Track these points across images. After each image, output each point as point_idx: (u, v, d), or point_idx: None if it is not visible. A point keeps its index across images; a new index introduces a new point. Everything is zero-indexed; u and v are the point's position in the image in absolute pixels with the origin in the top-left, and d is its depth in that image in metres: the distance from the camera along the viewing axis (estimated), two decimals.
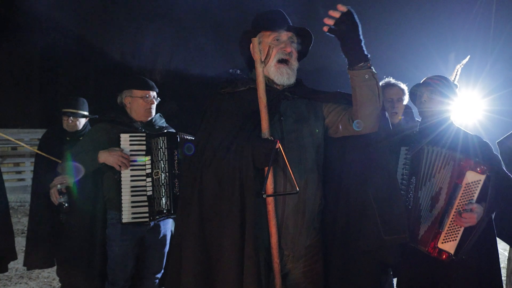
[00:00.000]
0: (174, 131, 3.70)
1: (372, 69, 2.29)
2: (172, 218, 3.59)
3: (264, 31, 2.48)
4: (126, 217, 3.32)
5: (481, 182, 2.72)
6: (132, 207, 3.34)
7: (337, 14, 2.17)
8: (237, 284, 2.18)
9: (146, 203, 3.36)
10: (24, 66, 20.54)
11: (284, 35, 2.47)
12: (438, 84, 3.07)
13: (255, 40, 2.30)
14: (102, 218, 3.47)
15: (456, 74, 3.53)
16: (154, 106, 3.58)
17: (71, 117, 4.35)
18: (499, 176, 2.78)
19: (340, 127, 2.51)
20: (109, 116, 3.57)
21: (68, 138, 4.39)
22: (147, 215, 3.36)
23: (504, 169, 2.89)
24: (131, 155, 3.36)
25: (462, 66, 3.54)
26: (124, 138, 3.37)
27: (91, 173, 3.38)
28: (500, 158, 3.23)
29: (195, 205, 2.27)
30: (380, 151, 2.53)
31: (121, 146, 3.35)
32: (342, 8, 2.16)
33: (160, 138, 3.41)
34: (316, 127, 2.52)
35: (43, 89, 20.74)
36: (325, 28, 2.21)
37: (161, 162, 3.39)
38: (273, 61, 2.45)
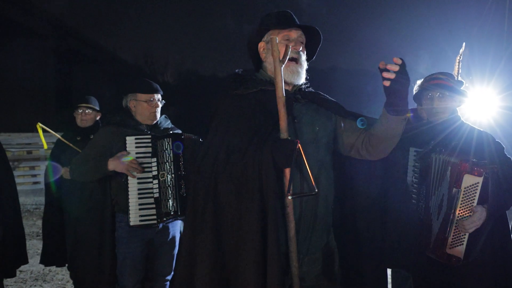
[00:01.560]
0: (180, 131, 3.70)
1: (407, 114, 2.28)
2: (180, 219, 3.58)
3: (273, 30, 2.45)
4: (134, 219, 3.32)
5: (480, 184, 2.67)
6: (140, 209, 3.33)
7: (396, 68, 2.06)
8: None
9: (154, 205, 3.35)
10: (39, 70, 20.80)
11: (294, 33, 2.44)
12: (445, 81, 3.01)
13: (274, 39, 2.20)
14: (111, 222, 3.48)
15: (459, 68, 3.46)
16: (159, 109, 3.58)
17: (86, 110, 4.58)
18: (506, 177, 2.74)
19: (352, 150, 2.52)
20: (115, 119, 3.58)
21: (78, 138, 4.48)
22: (155, 217, 3.35)
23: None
24: (138, 157, 3.35)
25: (461, 57, 3.47)
26: (130, 140, 3.36)
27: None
28: None
29: (210, 215, 2.18)
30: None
31: (127, 149, 3.34)
32: (398, 60, 2.06)
33: (165, 139, 3.40)
34: (327, 132, 2.50)
35: (58, 93, 20.98)
36: (386, 83, 2.10)
37: (167, 163, 3.38)
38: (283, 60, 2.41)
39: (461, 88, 3.05)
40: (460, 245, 2.72)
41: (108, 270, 3.46)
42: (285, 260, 2.24)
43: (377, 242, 2.66)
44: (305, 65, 2.48)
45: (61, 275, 5.59)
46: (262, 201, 2.12)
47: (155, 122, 3.58)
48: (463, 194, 2.69)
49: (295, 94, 2.47)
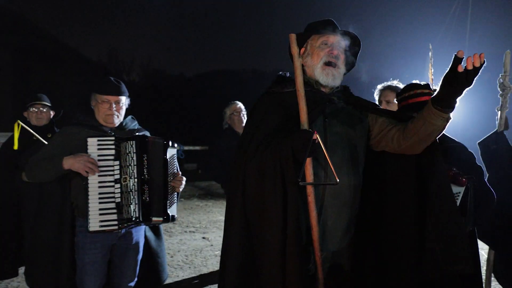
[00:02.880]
0: (147, 133, 3.57)
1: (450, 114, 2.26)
2: (142, 225, 3.45)
3: (314, 35, 2.61)
4: (94, 225, 3.17)
5: (461, 194, 2.69)
6: (100, 214, 3.19)
7: (478, 63, 2.01)
8: (280, 274, 2.22)
9: (115, 211, 3.22)
10: None
11: (332, 39, 2.57)
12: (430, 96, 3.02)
13: (292, 36, 2.39)
14: (70, 226, 3.32)
15: (432, 75, 3.47)
16: (120, 112, 3.44)
17: (41, 108, 4.46)
18: (479, 185, 2.77)
19: (382, 142, 2.56)
20: (77, 119, 3.43)
21: (34, 138, 4.29)
22: (115, 223, 3.22)
23: (485, 179, 2.89)
24: (99, 160, 3.21)
25: (432, 60, 3.48)
26: (92, 142, 3.22)
27: (57, 179, 3.24)
28: (482, 159, 3.16)
29: (239, 197, 2.38)
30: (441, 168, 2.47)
31: (89, 151, 3.20)
32: (483, 59, 2.02)
33: (129, 142, 3.26)
34: (360, 133, 2.58)
35: (16, 91, 20.27)
36: (460, 68, 2.01)
37: (130, 167, 3.24)
38: (320, 63, 2.56)
39: None
40: None
41: (66, 277, 3.31)
42: (306, 247, 2.40)
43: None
44: (343, 69, 2.61)
45: (17, 282, 5.33)
46: (284, 190, 2.26)
47: (117, 124, 3.44)
48: None
49: (331, 95, 2.59)
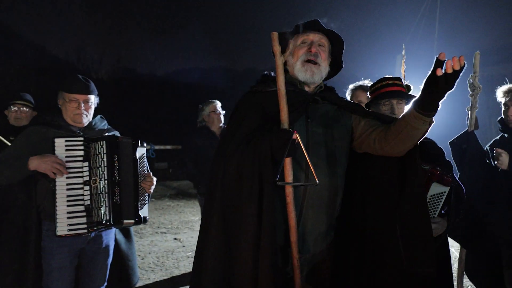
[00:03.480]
0: (117, 133, 3.48)
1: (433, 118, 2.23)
2: (113, 228, 3.36)
3: (296, 35, 2.60)
4: (62, 229, 3.06)
5: (445, 194, 2.69)
6: (68, 218, 3.08)
7: (457, 66, 1.98)
8: (252, 276, 2.20)
9: (84, 214, 3.12)
10: None
11: (311, 37, 2.57)
12: (401, 87, 3.07)
13: (274, 34, 2.37)
14: (36, 230, 3.19)
15: (404, 71, 3.50)
16: (90, 111, 3.34)
17: (21, 108, 4.34)
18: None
19: (364, 143, 2.53)
20: (44, 119, 3.32)
21: (12, 138, 4.14)
22: (85, 226, 3.12)
23: (455, 175, 2.89)
24: (67, 161, 3.11)
25: (405, 58, 3.52)
26: (59, 143, 3.12)
27: (22, 180, 3.12)
28: (453, 158, 3.18)
29: (218, 196, 2.34)
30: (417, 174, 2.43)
31: (56, 152, 3.10)
32: (463, 62, 1.99)
33: (99, 142, 3.16)
34: (342, 134, 2.56)
35: None
36: (439, 72, 1.98)
37: (100, 168, 3.14)
38: (299, 61, 2.55)
39: (410, 93, 3.07)
40: None
41: (31, 283, 3.18)
42: (284, 250, 2.39)
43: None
44: (324, 66, 2.58)
45: None
46: (261, 189, 2.24)
47: (86, 123, 3.34)
48: (429, 201, 2.68)
49: (314, 95, 2.57)
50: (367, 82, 3.97)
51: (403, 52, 3.59)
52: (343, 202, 2.56)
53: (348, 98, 3.98)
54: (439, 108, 2.17)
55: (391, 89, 3.07)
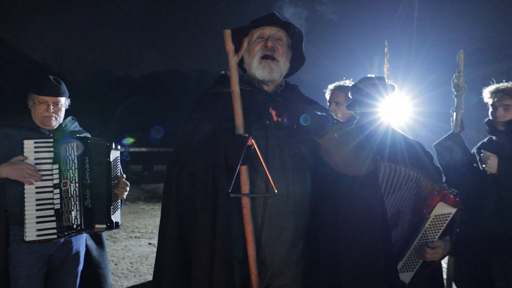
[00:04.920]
0: (88, 135, 3.36)
1: (337, 126, 2.17)
2: (85, 233, 3.24)
3: (252, 30, 2.44)
4: (30, 234, 2.94)
5: (451, 216, 2.56)
6: (37, 222, 2.96)
7: (274, 118, 2.11)
8: None
9: (54, 218, 3.00)
10: None
11: (267, 31, 2.41)
12: (377, 90, 2.94)
13: (227, 32, 2.19)
14: (4, 235, 3.05)
15: (387, 70, 3.41)
16: (60, 114, 3.23)
17: None
18: None
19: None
20: (13, 120, 3.19)
21: None
22: (54, 231, 3.00)
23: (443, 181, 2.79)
24: (37, 163, 2.99)
25: (387, 56, 3.44)
26: (28, 145, 3.00)
27: None
28: (438, 162, 3.11)
29: (173, 208, 2.24)
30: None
31: (25, 154, 2.98)
32: (271, 110, 2.10)
33: (69, 144, 3.05)
34: (305, 137, 2.32)
35: None
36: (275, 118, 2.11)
37: (70, 171, 3.03)
38: (256, 58, 2.40)
39: (393, 93, 2.99)
40: (410, 271, 2.61)
41: None
42: (244, 268, 2.20)
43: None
44: (283, 62, 2.42)
45: None
46: (215, 200, 2.11)
47: (56, 126, 3.23)
48: (432, 222, 2.57)
49: (274, 95, 2.41)
50: (348, 82, 3.87)
51: (385, 49, 3.49)
52: (314, 206, 2.40)
53: (327, 98, 3.91)
54: (332, 120, 2.19)
55: (371, 90, 2.97)
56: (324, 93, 3.96)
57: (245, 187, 2.13)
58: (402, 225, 2.65)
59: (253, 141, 2.07)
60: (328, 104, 3.91)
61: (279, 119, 2.09)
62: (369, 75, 3.10)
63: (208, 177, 2.11)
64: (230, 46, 2.19)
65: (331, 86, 3.93)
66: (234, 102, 2.17)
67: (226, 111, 2.27)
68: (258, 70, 2.38)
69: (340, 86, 3.85)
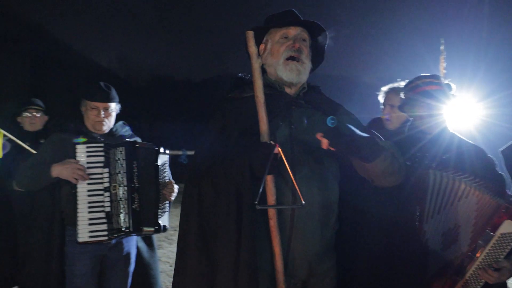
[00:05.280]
0: (138, 139, 3.45)
1: (388, 147, 2.13)
2: (133, 235, 3.32)
3: (273, 29, 2.32)
4: (83, 235, 3.06)
5: None
6: (90, 224, 3.07)
7: (325, 146, 1.99)
8: None
9: (105, 220, 3.10)
10: (14, 74, 20.35)
11: (292, 31, 2.29)
12: (439, 86, 2.76)
13: (250, 33, 2.08)
14: (59, 235, 3.20)
15: (444, 68, 3.21)
16: (110, 118, 3.34)
17: (34, 113, 4.38)
18: None
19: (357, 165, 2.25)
20: (67, 126, 3.34)
21: (27, 144, 4.19)
22: (105, 233, 3.10)
23: (508, 191, 2.54)
24: (89, 167, 3.10)
25: (444, 54, 3.23)
26: (81, 149, 3.12)
27: (48, 186, 3.14)
28: (506, 169, 2.87)
29: (195, 220, 2.10)
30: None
31: (77, 158, 3.10)
32: (321, 138, 2.00)
33: (118, 148, 3.14)
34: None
35: (33, 96, 20.40)
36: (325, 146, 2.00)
37: (119, 175, 3.12)
38: (281, 59, 2.26)
39: (451, 93, 2.80)
40: None
41: None
42: (272, 282, 2.08)
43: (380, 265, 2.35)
44: (308, 63, 2.32)
45: None
46: (239, 211, 1.99)
47: (107, 130, 3.34)
48: (497, 241, 2.36)
49: (297, 98, 2.30)
50: (403, 84, 3.70)
51: (441, 47, 3.29)
52: (342, 215, 2.31)
53: (381, 101, 3.75)
54: (382, 145, 2.10)
55: (427, 88, 2.78)
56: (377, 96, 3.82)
57: (271, 198, 2.02)
58: (462, 242, 2.46)
59: (280, 149, 1.97)
60: (382, 107, 3.77)
61: (331, 148, 1.98)
62: (423, 74, 2.94)
63: (232, 187, 2.01)
64: (253, 49, 2.08)
65: (384, 88, 3.77)
66: (259, 108, 2.05)
67: (248, 118, 2.17)
68: (285, 71, 2.25)
69: (394, 88, 3.68)
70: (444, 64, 3.24)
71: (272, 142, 2.01)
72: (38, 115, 4.41)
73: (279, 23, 2.31)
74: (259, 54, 2.09)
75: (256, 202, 1.91)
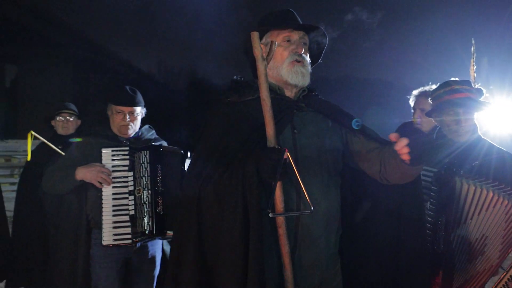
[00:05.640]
0: (164, 143, 3.47)
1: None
2: (157, 239, 3.32)
3: (273, 31, 2.24)
4: (107, 238, 3.09)
5: None
6: (114, 227, 3.10)
7: (405, 153, 1.90)
8: None
9: (129, 224, 3.12)
10: (57, 78, 20.98)
11: (295, 35, 2.23)
12: (468, 93, 2.65)
13: (255, 34, 1.98)
14: (85, 238, 3.25)
15: (474, 72, 3.07)
16: (136, 122, 3.36)
17: (67, 117, 4.46)
18: None
19: (364, 164, 2.26)
20: (93, 130, 3.41)
21: (60, 147, 4.27)
22: (129, 236, 3.11)
23: None
24: (114, 170, 3.14)
25: (474, 57, 3.09)
26: (106, 153, 3.17)
27: (75, 189, 3.19)
28: None
29: (193, 231, 1.97)
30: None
31: (103, 162, 3.15)
32: (397, 138, 1.90)
33: (142, 152, 3.16)
34: (335, 145, 2.23)
35: (75, 100, 20.97)
36: (407, 160, 1.91)
37: (143, 178, 3.13)
38: (286, 63, 2.19)
39: (482, 99, 2.70)
40: None
41: None
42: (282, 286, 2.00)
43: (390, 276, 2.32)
44: (309, 67, 2.26)
45: None
46: (246, 220, 1.88)
47: (132, 134, 3.37)
48: None
49: (298, 101, 2.24)
50: (435, 87, 3.60)
51: (472, 48, 3.16)
52: (346, 220, 2.29)
53: (412, 104, 3.66)
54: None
55: (456, 96, 2.69)
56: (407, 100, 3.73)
57: (280, 205, 1.93)
58: (490, 253, 2.37)
59: (288, 154, 1.88)
60: (412, 111, 3.68)
61: (409, 161, 1.92)
62: (452, 79, 2.85)
63: (238, 195, 1.90)
64: (259, 50, 1.98)
65: (415, 92, 3.67)
66: (266, 112, 1.96)
67: (250, 122, 2.12)
68: (290, 74, 2.18)
69: (425, 91, 3.57)
70: (475, 67, 3.09)
71: (278, 146, 1.94)
72: (71, 119, 4.49)
73: (283, 26, 2.24)
74: (262, 57, 2.00)
75: (269, 210, 1.85)
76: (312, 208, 1.91)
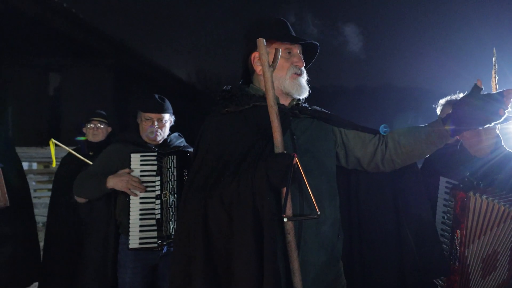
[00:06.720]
0: (190, 149, 3.48)
1: None
2: None
3: (274, 41, 2.22)
4: (134, 242, 3.11)
5: None
6: (141, 231, 3.13)
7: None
8: None
9: (155, 227, 3.13)
10: (98, 87, 21.56)
11: (296, 48, 2.26)
12: None
13: (261, 41, 1.98)
14: (113, 243, 3.31)
15: (496, 84, 2.99)
16: (164, 129, 3.41)
17: (97, 124, 4.54)
18: None
19: (371, 163, 2.31)
20: (123, 136, 3.48)
21: (91, 153, 4.38)
22: (155, 240, 3.13)
23: None
24: (142, 175, 3.17)
25: (496, 67, 3.00)
26: (135, 158, 3.21)
27: (104, 196, 3.27)
28: None
29: (200, 244, 1.92)
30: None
31: (132, 167, 3.18)
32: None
33: (169, 157, 3.19)
34: (329, 149, 2.29)
35: (116, 108, 21.47)
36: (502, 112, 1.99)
37: (170, 182, 3.16)
38: (288, 74, 2.21)
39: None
40: None
41: None
42: None
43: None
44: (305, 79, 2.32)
45: None
46: (257, 227, 1.86)
47: (161, 141, 3.42)
48: None
49: (292, 109, 2.25)
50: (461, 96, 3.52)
51: (493, 58, 3.07)
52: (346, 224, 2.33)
53: (438, 113, 3.60)
54: None
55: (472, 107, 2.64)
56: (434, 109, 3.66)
57: (289, 211, 1.93)
58: (501, 269, 2.31)
59: (297, 160, 1.89)
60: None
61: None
62: None
63: (248, 201, 1.88)
64: (266, 57, 1.98)
65: (442, 101, 3.60)
66: (273, 118, 1.97)
67: (252, 131, 2.13)
68: (294, 87, 2.21)
69: (452, 100, 3.51)
70: (496, 78, 2.98)
71: (286, 152, 1.96)
72: (102, 126, 4.57)
73: (285, 38, 2.24)
74: (268, 63, 1.99)
75: (284, 215, 1.84)
76: (319, 212, 1.92)
